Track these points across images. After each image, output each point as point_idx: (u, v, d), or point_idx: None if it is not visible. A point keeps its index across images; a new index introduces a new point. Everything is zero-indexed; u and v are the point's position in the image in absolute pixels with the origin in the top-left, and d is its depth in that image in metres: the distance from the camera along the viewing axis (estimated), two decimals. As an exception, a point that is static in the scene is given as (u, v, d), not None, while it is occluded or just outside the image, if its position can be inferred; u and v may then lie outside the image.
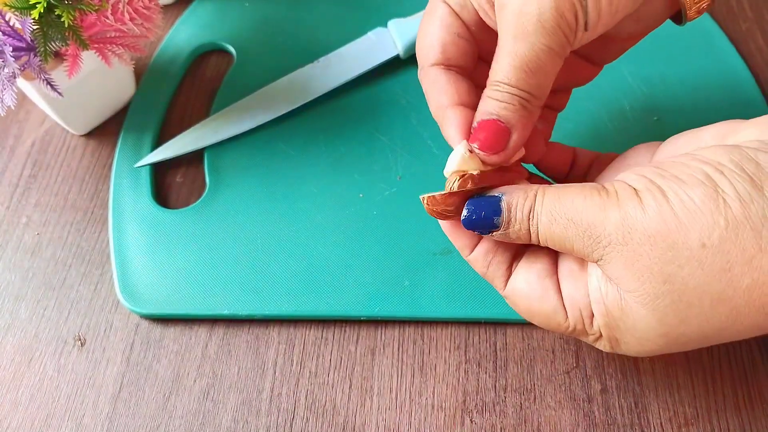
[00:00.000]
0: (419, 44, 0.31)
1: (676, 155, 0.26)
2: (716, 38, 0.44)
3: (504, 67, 0.27)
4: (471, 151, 0.28)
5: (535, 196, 0.26)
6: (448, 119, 0.29)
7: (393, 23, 0.43)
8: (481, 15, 0.30)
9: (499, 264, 0.29)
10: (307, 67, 0.43)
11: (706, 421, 0.32)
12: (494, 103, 0.27)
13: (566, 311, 0.27)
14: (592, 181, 0.31)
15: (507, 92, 0.27)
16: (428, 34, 0.30)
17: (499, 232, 0.27)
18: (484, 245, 0.29)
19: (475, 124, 0.28)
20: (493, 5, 0.28)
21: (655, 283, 0.24)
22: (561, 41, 0.26)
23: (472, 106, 0.29)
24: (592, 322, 0.27)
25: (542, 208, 0.26)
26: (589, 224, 0.25)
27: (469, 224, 0.27)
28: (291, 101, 0.41)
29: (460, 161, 0.27)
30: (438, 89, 0.29)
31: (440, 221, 0.29)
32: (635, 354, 0.27)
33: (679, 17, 0.30)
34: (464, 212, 0.27)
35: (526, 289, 0.28)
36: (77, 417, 0.33)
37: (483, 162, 0.28)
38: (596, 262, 0.26)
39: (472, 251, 0.29)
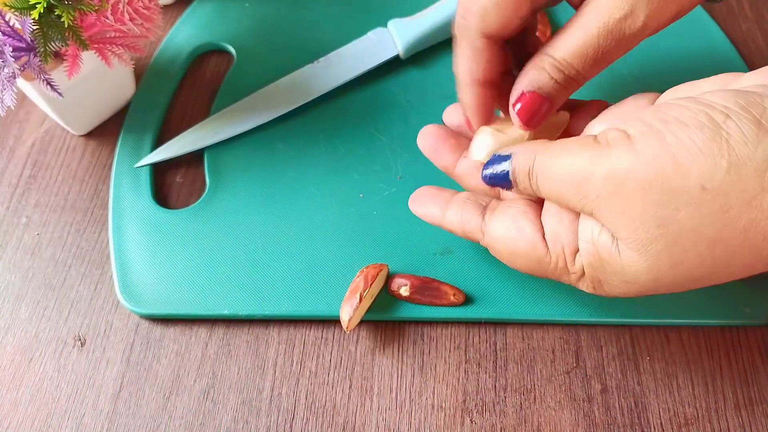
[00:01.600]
0: (479, 3, 0.28)
1: (677, 98, 0.26)
2: (716, 38, 0.44)
3: (578, 53, 0.27)
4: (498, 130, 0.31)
5: (534, 156, 0.27)
6: (478, 98, 0.30)
7: (393, 23, 0.43)
8: None
9: (471, 216, 0.30)
10: (307, 67, 0.43)
11: (706, 421, 0.32)
12: (550, 81, 0.28)
13: (547, 246, 0.28)
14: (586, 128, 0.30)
15: (566, 74, 0.28)
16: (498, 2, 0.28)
17: (513, 189, 0.29)
18: (452, 207, 0.31)
19: (519, 92, 0.29)
20: None
21: (648, 229, 0.24)
22: (631, 45, 0.28)
23: (498, 83, 0.30)
24: (574, 260, 0.27)
25: (538, 167, 0.27)
26: (579, 181, 0.25)
27: (489, 181, 0.29)
28: (291, 101, 0.41)
29: (486, 147, 0.31)
30: (478, 61, 0.29)
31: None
32: (617, 296, 0.27)
33: None
34: (484, 171, 0.30)
35: (502, 230, 0.29)
36: (77, 417, 0.33)
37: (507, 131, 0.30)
38: (590, 215, 0.26)
39: (445, 217, 0.31)
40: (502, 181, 0.29)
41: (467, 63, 0.30)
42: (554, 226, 0.28)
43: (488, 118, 0.31)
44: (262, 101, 0.41)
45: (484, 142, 0.31)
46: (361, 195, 0.39)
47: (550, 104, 0.29)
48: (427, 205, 0.32)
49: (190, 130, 0.41)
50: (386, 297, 0.35)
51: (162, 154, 0.40)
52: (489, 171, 0.29)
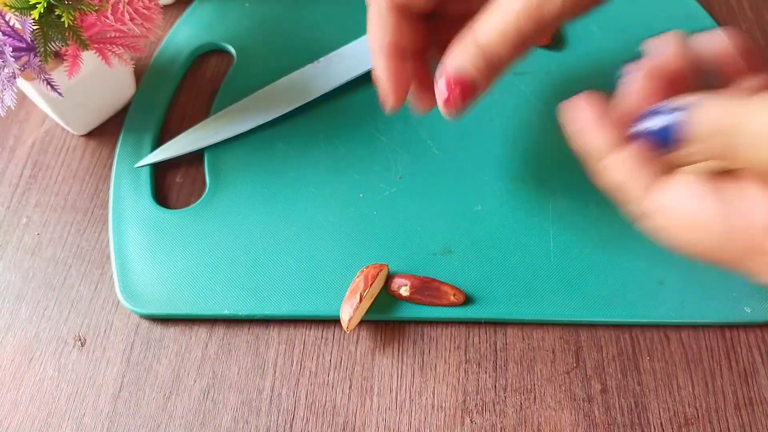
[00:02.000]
0: None
1: None
2: (716, 38, 0.44)
3: (497, 35, 0.26)
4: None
5: (734, 109, 0.22)
6: (390, 69, 0.29)
7: None
8: None
9: (644, 169, 0.25)
10: (307, 67, 0.43)
11: (706, 421, 0.32)
12: (472, 64, 0.27)
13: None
14: None
15: (487, 58, 0.27)
16: None
17: (680, 152, 0.23)
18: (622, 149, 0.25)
19: (443, 74, 0.28)
20: None
21: None
22: (551, 28, 0.26)
23: (412, 58, 0.29)
24: None
25: (743, 124, 0.22)
26: None
27: (650, 137, 0.24)
28: (291, 101, 0.41)
29: None
30: (387, 30, 0.28)
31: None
32: None
33: None
34: (641, 125, 0.24)
35: (682, 197, 0.23)
36: (77, 417, 0.33)
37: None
38: None
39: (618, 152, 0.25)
40: (667, 141, 0.24)
41: (377, 31, 0.29)
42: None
43: (402, 93, 0.29)
44: (262, 101, 0.41)
45: None
46: (361, 195, 0.39)
47: (473, 87, 0.28)
48: (591, 130, 0.26)
49: (190, 130, 0.41)
50: (386, 297, 0.35)
51: (162, 154, 0.40)
52: (651, 124, 0.24)
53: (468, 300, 0.35)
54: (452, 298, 0.34)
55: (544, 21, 0.26)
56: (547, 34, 0.27)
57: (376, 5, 0.29)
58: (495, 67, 0.27)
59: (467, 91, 0.28)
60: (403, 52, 0.29)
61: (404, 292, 0.35)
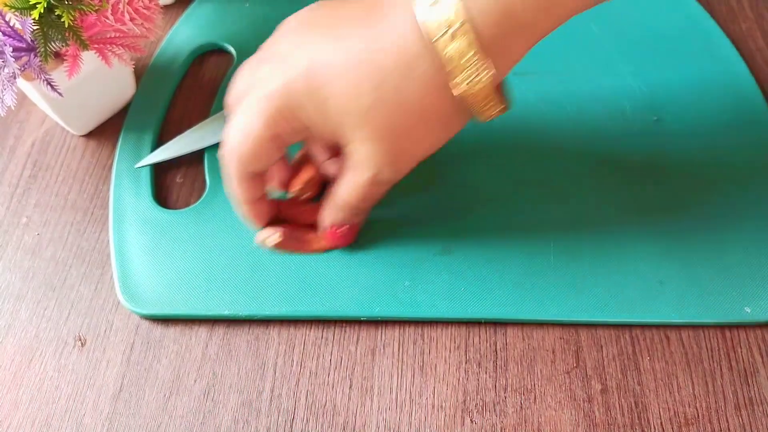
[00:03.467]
0: (239, 146, 0.32)
1: None
2: (716, 38, 0.44)
3: (354, 197, 0.33)
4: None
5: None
6: (260, 214, 0.36)
7: None
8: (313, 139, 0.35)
9: None
10: None
11: (706, 421, 0.32)
12: (348, 215, 0.35)
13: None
14: None
15: (354, 209, 0.34)
16: (243, 146, 0.32)
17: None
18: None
19: (328, 227, 0.36)
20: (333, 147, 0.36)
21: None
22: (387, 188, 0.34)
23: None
24: None
25: None
26: None
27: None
28: None
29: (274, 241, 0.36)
30: (252, 191, 0.34)
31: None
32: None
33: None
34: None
35: None
36: (77, 417, 0.33)
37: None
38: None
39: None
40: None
41: (239, 191, 0.34)
42: None
43: (268, 220, 0.36)
44: None
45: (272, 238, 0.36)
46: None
47: (350, 227, 0.36)
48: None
49: (190, 130, 0.41)
50: (394, 291, 0.35)
51: (162, 154, 0.40)
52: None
53: (468, 300, 0.35)
54: (316, 245, 0.36)
55: (382, 185, 0.33)
56: (387, 190, 0.34)
57: (234, 174, 0.33)
58: (360, 212, 0.35)
59: (347, 230, 0.36)
60: (261, 199, 0.35)
61: (271, 242, 0.36)
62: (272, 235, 0.36)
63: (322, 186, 0.37)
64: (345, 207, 0.34)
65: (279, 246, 0.36)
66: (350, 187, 0.33)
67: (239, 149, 0.32)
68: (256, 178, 0.34)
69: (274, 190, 0.37)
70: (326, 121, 0.30)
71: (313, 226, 0.37)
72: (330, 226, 0.36)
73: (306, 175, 0.37)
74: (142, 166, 0.40)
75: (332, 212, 0.35)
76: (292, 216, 0.37)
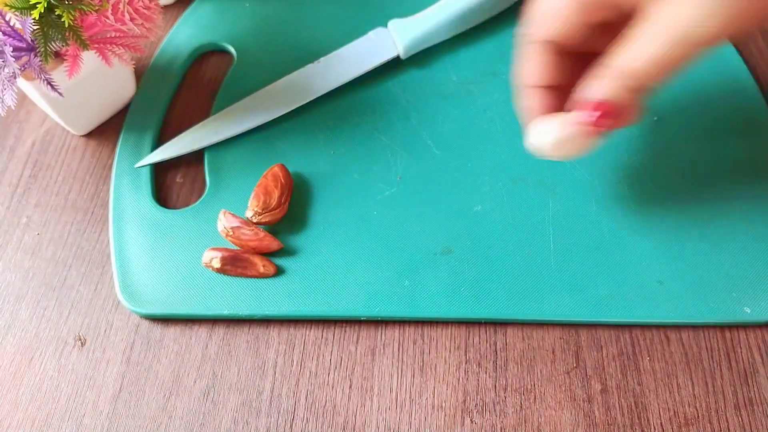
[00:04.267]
0: (544, 7, 0.29)
1: None
2: (716, 38, 0.44)
3: (647, 62, 0.26)
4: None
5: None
6: (539, 102, 0.31)
7: (393, 23, 0.43)
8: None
9: None
10: (307, 67, 0.43)
11: (706, 421, 0.32)
12: (620, 90, 0.27)
13: None
14: None
15: (636, 84, 0.27)
16: (558, 7, 0.28)
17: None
18: None
19: (591, 101, 0.28)
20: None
21: None
22: (704, 53, 0.27)
23: (559, 87, 0.31)
24: None
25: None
26: None
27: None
28: (291, 101, 0.41)
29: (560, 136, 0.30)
30: (539, 67, 0.30)
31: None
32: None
33: None
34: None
35: None
36: (77, 417, 0.33)
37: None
38: None
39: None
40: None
41: (530, 67, 0.30)
42: None
43: (543, 115, 0.31)
44: (262, 101, 0.41)
45: (554, 131, 0.31)
46: (360, 195, 0.39)
47: (620, 112, 0.28)
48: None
49: (190, 130, 0.41)
50: (394, 291, 0.35)
51: (162, 154, 0.40)
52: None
53: (468, 300, 0.35)
54: (261, 269, 0.35)
55: (698, 48, 0.26)
56: (700, 57, 0.27)
57: (530, 45, 0.30)
58: (642, 92, 0.28)
59: (614, 117, 0.28)
60: (551, 89, 0.30)
61: (215, 264, 0.35)
62: (214, 258, 0.35)
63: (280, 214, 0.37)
64: (632, 74, 0.27)
65: (221, 270, 0.36)
66: (650, 43, 0.26)
67: (543, 5, 0.28)
68: (552, 52, 0.29)
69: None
70: None
71: (256, 249, 0.36)
72: (596, 100, 0.28)
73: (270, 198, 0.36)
74: (142, 166, 0.40)
75: (609, 82, 0.27)
76: (238, 238, 0.36)
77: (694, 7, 0.25)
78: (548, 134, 0.31)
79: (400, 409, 0.33)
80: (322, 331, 0.35)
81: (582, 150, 0.31)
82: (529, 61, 0.31)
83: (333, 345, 0.35)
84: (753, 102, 0.41)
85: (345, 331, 0.35)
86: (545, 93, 0.31)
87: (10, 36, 0.34)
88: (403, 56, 0.43)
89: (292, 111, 0.41)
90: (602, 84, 0.28)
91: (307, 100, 0.41)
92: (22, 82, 0.37)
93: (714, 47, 0.26)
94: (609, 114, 0.28)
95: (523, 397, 0.33)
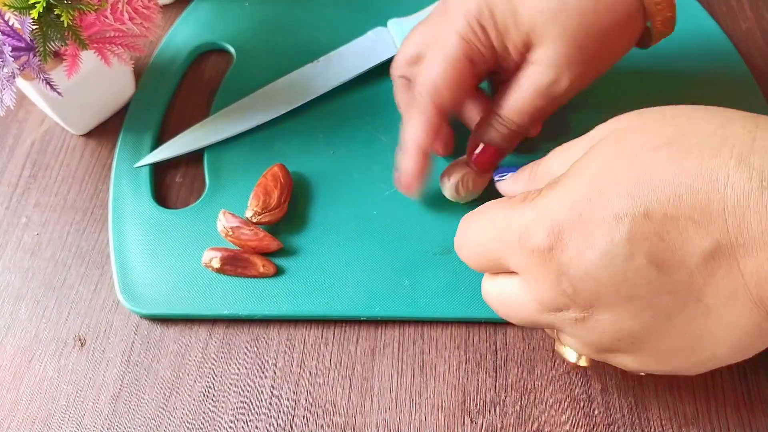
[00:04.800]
0: (428, 72, 0.33)
1: None
2: (716, 38, 0.44)
3: (516, 111, 0.33)
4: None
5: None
6: (421, 164, 0.35)
7: (393, 23, 0.43)
8: (499, 52, 0.33)
9: None
10: (307, 67, 0.42)
11: (706, 421, 0.32)
12: (498, 135, 0.34)
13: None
14: None
15: (510, 129, 0.34)
16: (441, 73, 0.33)
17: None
18: None
19: (479, 148, 0.35)
20: (520, 51, 0.33)
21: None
22: (561, 102, 0.34)
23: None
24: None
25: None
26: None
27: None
28: (291, 101, 0.41)
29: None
30: (427, 130, 0.34)
31: None
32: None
33: (645, 40, 0.34)
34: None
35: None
36: (77, 417, 0.33)
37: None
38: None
39: None
40: None
41: (418, 132, 0.34)
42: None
43: (423, 180, 0.35)
44: (262, 101, 0.41)
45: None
46: (360, 195, 0.38)
47: (500, 152, 0.35)
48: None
49: (189, 129, 0.41)
50: (394, 291, 0.35)
51: (162, 153, 0.40)
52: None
53: (468, 300, 0.35)
54: (261, 269, 0.35)
55: (554, 99, 0.33)
56: (559, 105, 0.34)
57: (419, 110, 0.34)
58: (516, 135, 0.34)
59: (495, 155, 0.35)
60: (429, 151, 0.35)
61: (215, 264, 0.35)
62: (214, 258, 0.36)
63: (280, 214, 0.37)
64: (507, 121, 0.33)
65: (220, 270, 0.36)
66: (522, 94, 0.32)
67: (434, 75, 0.32)
68: (440, 117, 0.34)
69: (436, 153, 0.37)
70: (516, 22, 0.31)
71: (256, 249, 0.36)
72: (479, 145, 0.34)
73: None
74: (142, 166, 0.40)
75: (489, 129, 0.34)
76: (237, 238, 0.36)
77: (547, 72, 0.32)
78: (445, 184, 0.36)
79: (400, 409, 0.33)
80: (322, 331, 0.35)
81: (480, 188, 0.37)
82: (419, 124, 0.34)
83: (333, 345, 0.35)
84: (752, 102, 0.41)
85: (345, 331, 0.35)
86: (427, 157, 0.35)
87: (9, 36, 0.34)
88: None
89: (292, 111, 0.41)
90: (483, 129, 0.35)
91: (307, 100, 0.41)
92: (21, 82, 0.37)
93: (568, 99, 0.33)
94: (488, 154, 0.35)
95: (523, 397, 0.33)
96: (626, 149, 0.24)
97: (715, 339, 0.23)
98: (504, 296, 0.28)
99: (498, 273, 0.28)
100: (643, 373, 0.30)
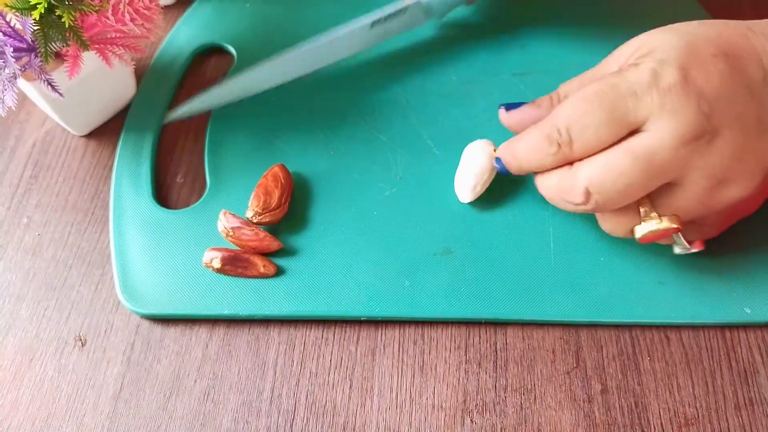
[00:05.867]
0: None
1: None
2: (716, 38, 0.44)
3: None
4: None
5: None
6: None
7: None
8: None
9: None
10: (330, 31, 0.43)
11: (706, 421, 0.32)
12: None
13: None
14: None
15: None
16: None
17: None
18: None
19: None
20: None
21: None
22: None
23: None
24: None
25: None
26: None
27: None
28: (312, 63, 0.42)
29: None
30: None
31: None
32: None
33: None
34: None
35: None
36: (78, 417, 0.33)
37: None
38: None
39: None
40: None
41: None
42: None
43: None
44: (281, 63, 0.42)
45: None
46: (360, 195, 0.39)
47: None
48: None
49: (207, 90, 0.42)
50: (394, 291, 0.35)
51: (184, 110, 0.41)
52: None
53: (468, 300, 0.35)
54: (262, 269, 0.35)
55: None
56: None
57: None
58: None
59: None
60: None
61: (216, 264, 0.35)
62: (215, 258, 0.36)
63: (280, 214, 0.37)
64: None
65: (220, 271, 0.36)
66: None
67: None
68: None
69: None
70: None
71: (257, 249, 0.36)
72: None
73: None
74: (170, 121, 0.41)
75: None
76: (238, 238, 0.36)
77: None
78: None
79: (400, 409, 0.33)
80: (323, 332, 0.35)
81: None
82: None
83: (333, 345, 0.35)
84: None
85: (345, 332, 0.35)
86: None
87: (10, 36, 0.34)
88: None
89: (292, 110, 0.41)
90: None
91: (330, 63, 0.42)
92: (22, 83, 0.37)
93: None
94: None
95: (523, 397, 0.33)
96: (674, 27, 0.32)
97: None
98: (616, 160, 0.30)
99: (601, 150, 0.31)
100: (732, 219, 0.34)
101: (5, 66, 0.33)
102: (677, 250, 0.34)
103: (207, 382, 0.34)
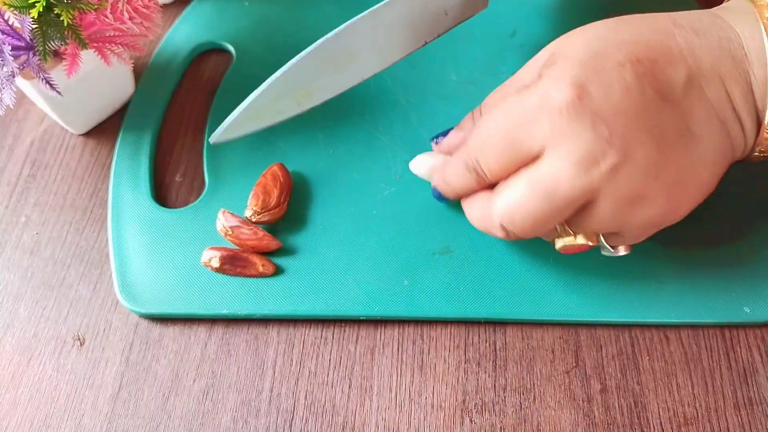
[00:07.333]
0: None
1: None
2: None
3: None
4: None
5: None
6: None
7: None
8: None
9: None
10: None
11: (706, 421, 0.32)
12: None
13: None
14: None
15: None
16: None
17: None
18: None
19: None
20: None
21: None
22: None
23: None
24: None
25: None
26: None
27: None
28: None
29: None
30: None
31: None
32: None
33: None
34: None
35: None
36: (76, 417, 0.33)
37: None
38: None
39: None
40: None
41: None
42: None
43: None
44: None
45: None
46: (360, 195, 0.38)
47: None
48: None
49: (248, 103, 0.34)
50: (393, 291, 0.35)
51: (239, 128, 0.34)
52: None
53: (468, 299, 0.35)
54: (260, 269, 0.35)
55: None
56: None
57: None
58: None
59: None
60: None
61: (214, 263, 0.35)
62: (213, 257, 0.36)
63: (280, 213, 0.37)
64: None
65: (219, 270, 0.36)
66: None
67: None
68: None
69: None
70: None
71: (255, 249, 0.36)
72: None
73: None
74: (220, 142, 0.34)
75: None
76: (237, 237, 0.36)
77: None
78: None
79: (400, 409, 0.33)
80: (322, 331, 0.35)
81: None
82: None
83: (332, 344, 0.35)
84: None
85: (344, 331, 0.35)
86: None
87: (8, 35, 0.34)
88: None
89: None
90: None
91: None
92: (20, 81, 0.37)
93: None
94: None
95: (522, 397, 0.33)
96: (591, 28, 0.30)
97: (702, 162, 0.28)
98: (520, 195, 0.28)
99: (508, 178, 0.29)
100: (655, 229, 0.31)
101: (3, 64, 0.33)
102: (604, 252, 0.32)
103: (206, 382, 0.34)
